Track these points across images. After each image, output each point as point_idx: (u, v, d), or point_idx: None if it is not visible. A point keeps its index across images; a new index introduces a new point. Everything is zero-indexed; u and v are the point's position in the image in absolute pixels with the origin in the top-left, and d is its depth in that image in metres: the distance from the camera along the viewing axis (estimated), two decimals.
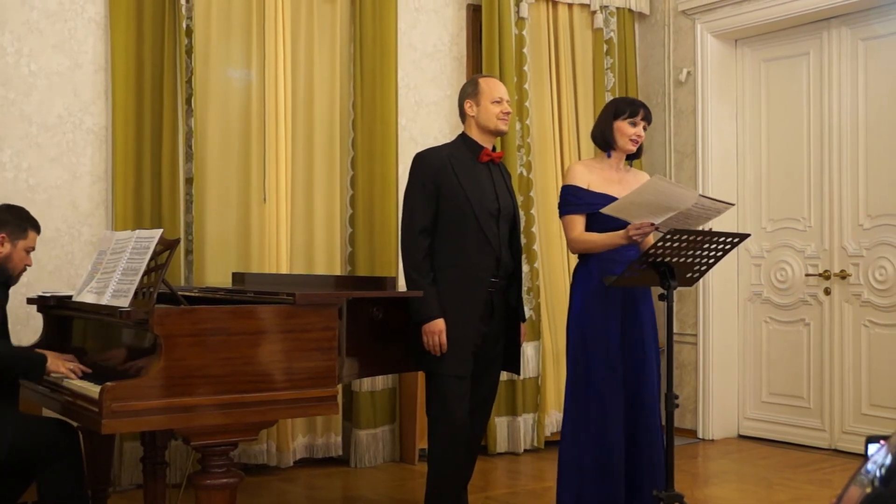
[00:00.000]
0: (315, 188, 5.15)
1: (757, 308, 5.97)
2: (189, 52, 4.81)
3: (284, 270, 4.97)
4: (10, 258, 3.45)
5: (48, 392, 3.28)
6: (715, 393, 5.95)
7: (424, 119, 5.57)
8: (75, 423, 3.32)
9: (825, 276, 5.58)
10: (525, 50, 5.67)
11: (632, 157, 3.86)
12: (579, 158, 5.80)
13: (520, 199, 5.24)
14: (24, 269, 3.55)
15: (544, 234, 5.70)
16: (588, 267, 3.73)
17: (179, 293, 3.06)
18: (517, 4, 5.65)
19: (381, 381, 5.22)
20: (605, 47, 6.06)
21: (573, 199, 3.71)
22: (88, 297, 3.31)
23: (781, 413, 5.80)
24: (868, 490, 1.25)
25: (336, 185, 5.20)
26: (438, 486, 3.73)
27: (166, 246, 3.04)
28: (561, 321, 5.17)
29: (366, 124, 5.23)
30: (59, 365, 3.22)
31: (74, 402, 3.02)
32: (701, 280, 3.62)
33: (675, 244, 3.28)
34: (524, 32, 5.68)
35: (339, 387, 3.44)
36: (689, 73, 6.04)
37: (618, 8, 6.10)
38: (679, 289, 3.67)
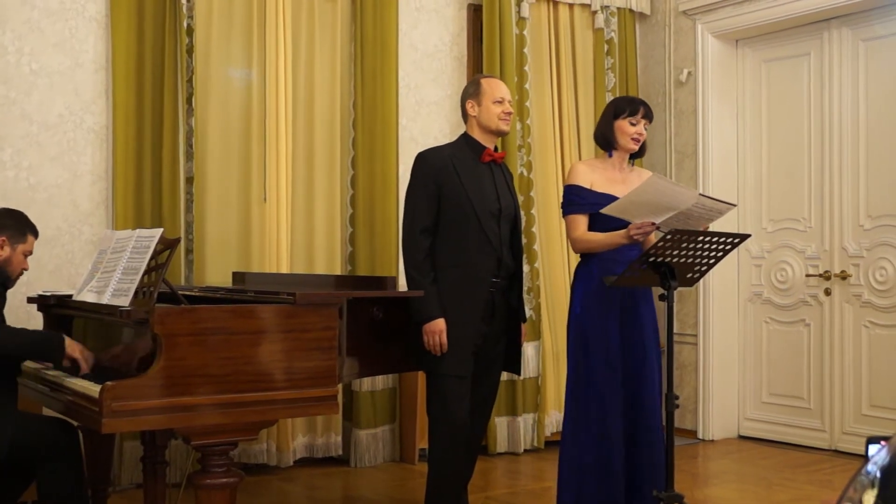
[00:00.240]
0: (315, 188, 5.15)
1: (757, 308, 5.97)
2: (190, 51, 4.81)
3: (285, 270, 4.97)
4: (10, 262, 3.46)
5: (48, 391, 3.28)
6: (715, 393, 5.95)
7: (425, 119, 5.57)
8: (75, 423, 3.32)
9: (825, 276, 5.57)
10: (526, 50, 5.67)
11: (635, 156, 3.85)
12: (580, 158, 5.80)
13: (520, 198, 5.24)
14: (21, 273, 3.56)
15: (545, 234, 5.69)
16: (589, 267, 3.72)
17: (180, 292, 3.06)
18: (518, 4, 5.65)
19: (381, 381, 5.22)
20: (605, 47, 6.06)
21: (576, 199, 3.71)
22: (89, 297, 3.30)
23: (782, 413, 5.80)
24: (869, 491, 1.25)
25: (336, 185, 5.20)
26: (438, 486, 3.73)
27: (167, 245, 3.04)
28: (561, 321, 5.17)
29: (366, 124, 5.23)
30: (74, 348, 3.22)
31: (75, 401, 3.01)
32: (701, 280, 3.62)
33: (676, 244, 3.27)
34: (525, 32, 5.67)
35: (340, 386, 3.44)
36: (689, 73, 6.04)
37: (618, 8, 6.10)
38: (679, 289, 3.67)
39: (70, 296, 3.59)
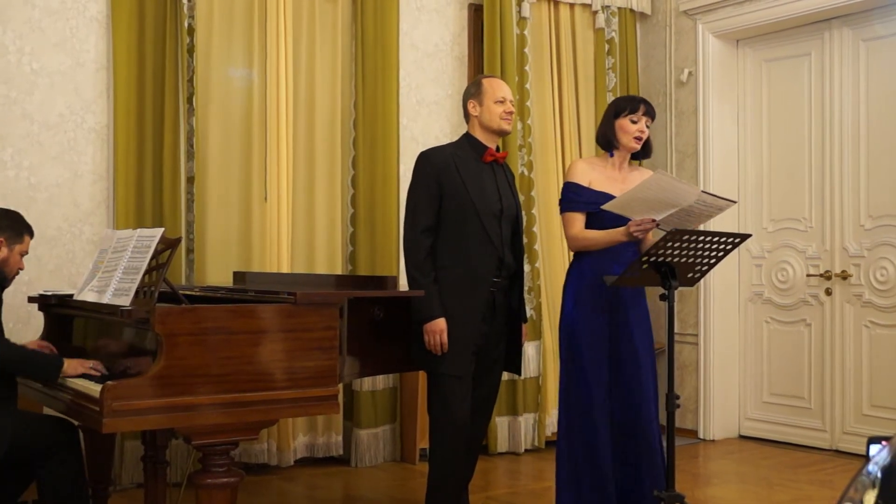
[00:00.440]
0: (316, 187, 5.15)
1: (758, 308, 5.97)
2: (191, 51, 4.81)
3: (285, 270, 4.97)
4: (7, 262, 3.47)
5: (49, 391, 3.28)
6: (716, 393, 5.95)
7: (426, 118, 5.57)
8: (76, 422, 3.32)
9: (826, 276, 5.57)
10: (526, 50, 5.67)
11: (640, 157, 3.85)
12: (581, 157, 5.79)
13: (521, 198, 5.24)
14: (17, 273, 3.57)
15: (545, 233, 5.69)
16: (581, 266, 3.73)
17: (180, 292, 3.06)
18: (519, 4, 5.65)
19: (381, 381, 5.22)
20: (606, 47, 6.06)
21: (573, 197, 3.71)
22: (89, 296, 3.31)
23: (782, 413, 5.80)
24: (870, 491, 1.25)
25: (337, 185, 5.20)
26: (439, 486, 3.73)
27: (167, 245, 3.04)
28: None
29: (367, 124, 5.24)
30: (76, 367, 3.20)
31: (75, 400, 3.02)
32: (702, 280, 3.62)
33: (677, 244, 3.27)
34: (526, 32, 5.67)
35: (340, 386, 3.44)
36: (690, 73, 6.04)
37: (619, 8, 6.10)
38: (680, 289, 3.67)
39: (71, 295, 3.59)
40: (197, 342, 2.85)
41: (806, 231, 5.70)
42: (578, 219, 3.69)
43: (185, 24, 4.79)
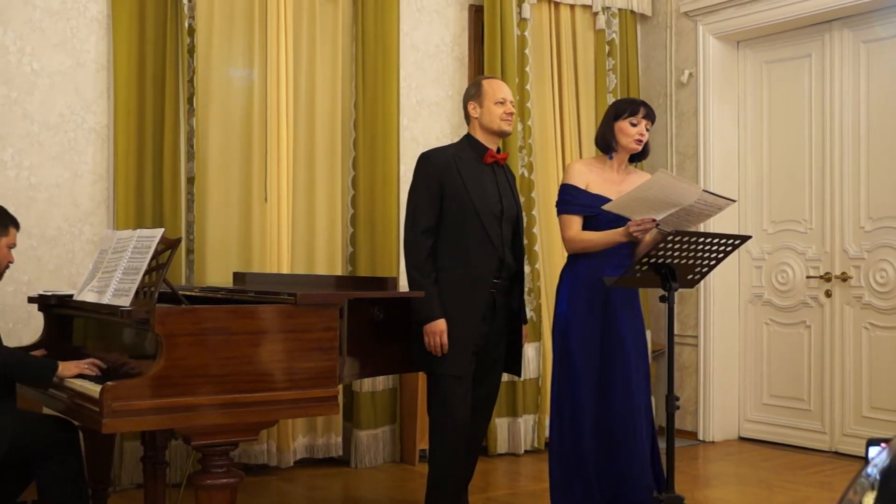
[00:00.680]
0: (316, 188, 5.15)
1: (758, 310, 5.97)
2: (191, 51, 4.81)
3: (285, 270, 4.97)
4: None
5: (49, 391, 3.28)
6: (715, 395, 5.95)
7: (426, 119, 5.58)
8: (76, 422, 3.31)
9: (826, 278, 5.57)
10: (527, 51, 5.67)
11: (638, 159, 3.84)
12: (581, 158, 5.79)
13: (521, 199, 5.24)
14: (7, 267, 3.57)
15: (545, 235, 5.69)
16: (575, 268, 3.73)
17: (180, 293, 3.06)
18: (519, 5, 5.65)
19: (381, 382, 5.22)
20: (606, 48, 6.06)
21: (570, 199, 3.71)
22: (89, 297, 3.31)
23: (782, 415, 5.80)
24: (869, 493, 1.25)
25: (337, 186, 5.20)
26: (439, 487, 3.73)
27: (167, 245, 3.04)
28: None
29: (367, 124, 5.24)
30: (71, 368, 3.19)
31: (75, 401, 3.01)
32: (702, 282, 3.62)
33: (677, 245, 3.27)
34: (526, 33, 5.67)
35: (340, 387, 3.44)
36: (690, 74, 6.04)
37: (620, 9, 6.10)
38: (680, 290, 3.66)
39: (71, 296, 3.59)
40: (197, 343, 2.85)
41: (806, 233, 5.70)
42: (575, 221, 3.69)
43: (186, 25, 4.79)
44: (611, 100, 5.85)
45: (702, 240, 3.32)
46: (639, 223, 3.46)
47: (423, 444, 5.04)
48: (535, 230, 5.56)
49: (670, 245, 3.25)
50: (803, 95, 5.72)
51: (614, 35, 6.07)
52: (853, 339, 5.45)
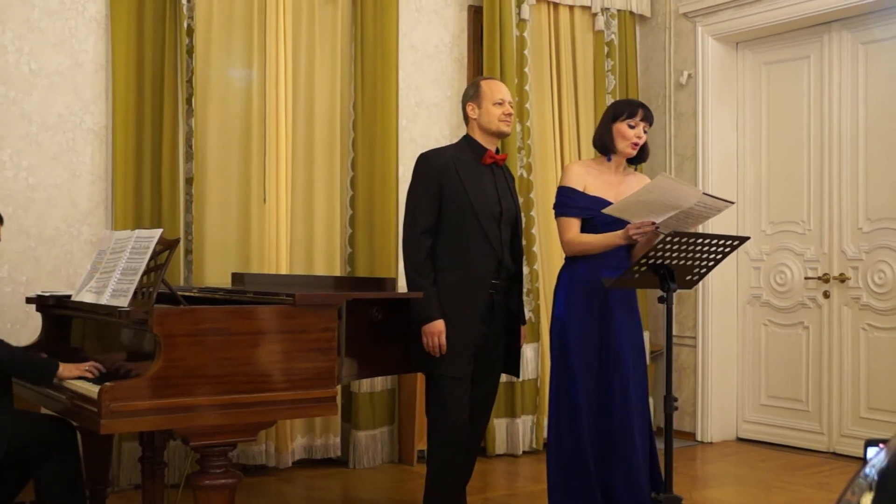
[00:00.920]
0: (315, 189, 5.15)
1: (756, 311, 5.97)
2: (190, 51, 4.81)
3: (284, 271, 4.97)
4: None
5: (47, 391, 3.27)
6: (714, 395, 5.95)
7: (425, 120, 5.58)
8: (74, 423, 3.31)
9: (824, 279, 5.58)
10: (526, 52, 5.67)
11: (637, 161, 3.84)
12: (579, 160, 5.79)
13: (520, 200, 5.25)
14: None
15: (544, 236, 5.69)
16: (574, 269, 3.73)
17: (179, 293, 3.05)
18: (518, 6, 5.65)
19: (380, 383, 5.22)
20: (605, 49, 6.06)
21: (568, 201, 3.71)
22: (87, 297, 3.30)
23: (780, 416, 5.80)
24: (867, 494, 1.25)
25: (336, 186, 5.20)
26: (437, 488, 3.73)
27: (166, 246, 3.04)
28: None
29: (366, 125, 5.24)
30: (72, 370, 3.20)
31: (74, 401, 3.01)
32: (700, 283, 3.62)
33: (675, 246, 3.27)
34: (525, 34, 5.68)
35: (339, 388, 3.44)
36: (689, 75, 6.04)
37: (619, 10, 6.10)
38: (678, 291, 3.67)
39: (69, 296, 3.59)
40: (195, 343, 2.85)
41: (804, 234, 5.71)
42: (574, 223, 3.69)
43: (185, 25, 4.79)
44: (610, 101, 5.85)
45: (700, 241, 3.32)
46: (638, 226, 3.46)
47: (421, 444, 5.04)
48: (533, 231, 5.56)
49: (669, 246, 3.25)
50: (802, 96, 5.72)
51: (613, 36, 6.07)
52: (851, 340, 5.45)
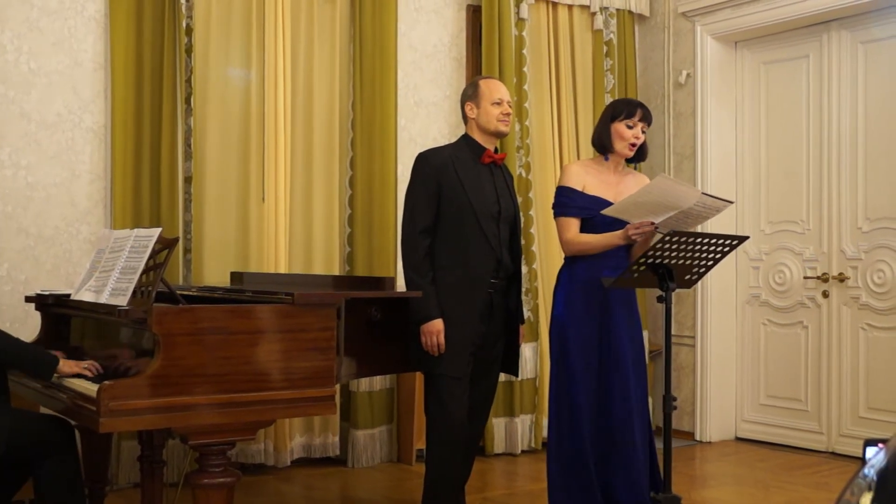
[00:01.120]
0: (314, 188, 5.14)
1: (755, 310, 5.97)
2: (189, 51, 4.81)
3: (283, 270, 4.97)
4: None
5: (46, 390, 3.27)
6: (712, 395, 5.96)
7: (424, 119, 5.58)
8: (73, 422, 3.31)
9: (823, 278, 5.58)
10: (525, 51, 5.67)
11: (636, 161, 3.84)
12: (578, 159, 5.79)
13: (518, 200, 5.25)
14: None
15: (543, 235, 5.70)
16: (573, 269, 3.73)
17: (178, 292, 3.05)
18: (517, 5, 5.65)
19: (378, 382, 5.22)
20: (604, 49, 6.06)
21: (567, 201, 3.71)
22: (87, 296, 3.30)
23: (779, 416, 5.81)
24: (866, 494, 1.25)
25: (335, 185, 5.20)
26: (436, 487, 3.73)
27: (165, 245, 3.04)
28: None
29: (365, 124, 5.23)
30: (71, 366, 3.20)
31: (73, 400, 3.01)
32: (699, 282, 3.62)
33: (674, 246, 3.27)
34: (524, 33, 5.68)
35: (337, 387, 3.44)
36: (688, 75, 6.04)
37: (618, 10, 6.10)
38: (677, 291, 3.67)
39: (68, 295, 3.59)
40: (194, 342, 2.85)
41: (803, 233, 5.71)
42: (573, 223, 3.69)
43: (184, 24, 4.79)
44: (608, 100, 5.85)
45: (699, 240, 3.32)
46: (638, 226, 3.46)
47: (420, 443, 5.04)
48: (532, 230, 5.56)
49: (668, 245, 3.25)
50: (801, 96, 5.72)
51: (612, 35, 6.07)
52: (850, 340, 5.46)
